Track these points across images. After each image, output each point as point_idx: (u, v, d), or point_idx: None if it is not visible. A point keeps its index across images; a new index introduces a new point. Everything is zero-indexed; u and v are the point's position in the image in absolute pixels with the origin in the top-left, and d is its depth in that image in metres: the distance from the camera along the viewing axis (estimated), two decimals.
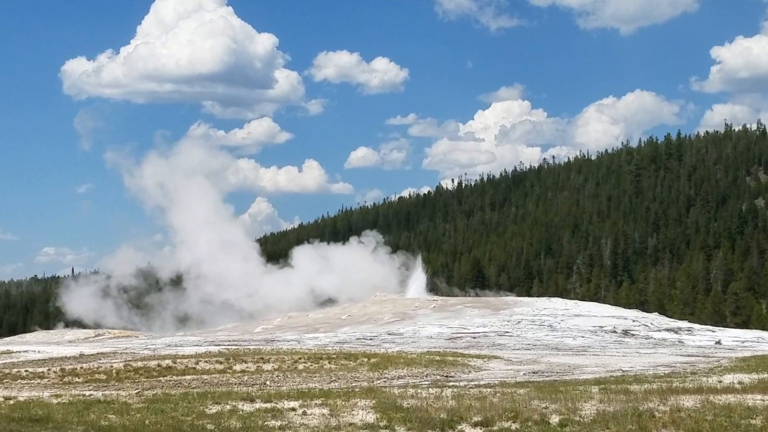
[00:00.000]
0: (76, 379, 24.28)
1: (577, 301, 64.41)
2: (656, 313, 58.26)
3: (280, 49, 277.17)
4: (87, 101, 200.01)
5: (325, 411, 13.31)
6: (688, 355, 31.98)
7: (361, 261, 75.12)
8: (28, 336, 61.04)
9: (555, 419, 12.31)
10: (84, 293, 78.90)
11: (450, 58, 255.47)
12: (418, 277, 75.21)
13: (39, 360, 31.59)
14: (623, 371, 24.28)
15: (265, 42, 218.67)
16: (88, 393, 18.25)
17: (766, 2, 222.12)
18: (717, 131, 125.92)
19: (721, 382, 18.46)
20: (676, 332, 45.14)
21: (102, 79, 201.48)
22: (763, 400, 13.61)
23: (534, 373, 24.43)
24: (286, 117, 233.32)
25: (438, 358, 28.33)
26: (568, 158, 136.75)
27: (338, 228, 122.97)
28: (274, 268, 77.28)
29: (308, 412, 13.29)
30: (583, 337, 41.84)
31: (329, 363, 26.79)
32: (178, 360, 27.92)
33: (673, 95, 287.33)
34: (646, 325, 47.21)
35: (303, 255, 77.86)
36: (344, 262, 74.58)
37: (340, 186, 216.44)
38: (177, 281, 79.42)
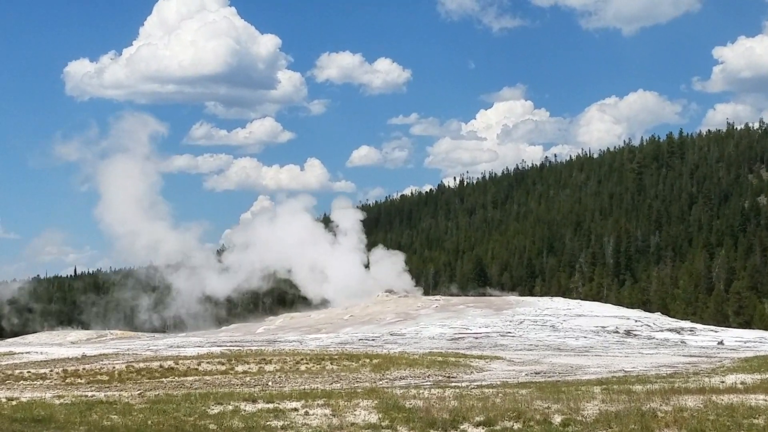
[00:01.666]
0: (79, 380, 24.31)
1: (579, 301, 64.37)
2: (659, 313, 58.22)
3: (282, 50, 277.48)
4: (90, 102, 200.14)
5: (328, 411, 13.29)
6: (691, 356, 31.95)
7: (296, 236, 73.16)
8: (30, 337, 61.10)
9: (557, 419, 12.29)
10: None
11: (452, 59, 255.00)
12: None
13: (41, 361, 31.68)
14: (625, 372, 24.27)
15: (267, 43, 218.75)
16: (90, 394, 18.25)
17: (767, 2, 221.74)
18: (719, 130, 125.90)
19: (723, 382, 18.44)
20: (678, 332, 45.10)
21: (104, 80, 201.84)
22: (766, 400, 13.58)
23: (536, 373, 24.43)
24: (288, 117, 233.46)
25: (440, 358, 28.34)
26: (570, 156, 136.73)
27: None
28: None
29: (310, 412, 13.28)
30: (585, 337, 41.81)
31: (331, 364, 26.80)
32: (180, 361, 27.95)
33: (676, 95, 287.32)
34: (649, 326, 47.17)
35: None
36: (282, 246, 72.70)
37: (343, 184, 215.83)
38: (99, 284, 78.13)
